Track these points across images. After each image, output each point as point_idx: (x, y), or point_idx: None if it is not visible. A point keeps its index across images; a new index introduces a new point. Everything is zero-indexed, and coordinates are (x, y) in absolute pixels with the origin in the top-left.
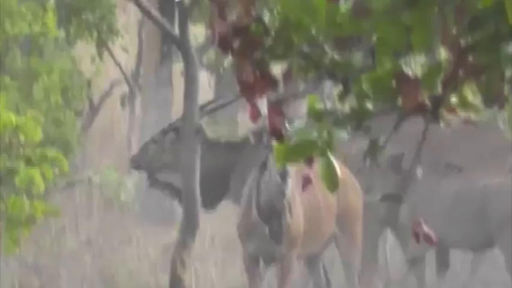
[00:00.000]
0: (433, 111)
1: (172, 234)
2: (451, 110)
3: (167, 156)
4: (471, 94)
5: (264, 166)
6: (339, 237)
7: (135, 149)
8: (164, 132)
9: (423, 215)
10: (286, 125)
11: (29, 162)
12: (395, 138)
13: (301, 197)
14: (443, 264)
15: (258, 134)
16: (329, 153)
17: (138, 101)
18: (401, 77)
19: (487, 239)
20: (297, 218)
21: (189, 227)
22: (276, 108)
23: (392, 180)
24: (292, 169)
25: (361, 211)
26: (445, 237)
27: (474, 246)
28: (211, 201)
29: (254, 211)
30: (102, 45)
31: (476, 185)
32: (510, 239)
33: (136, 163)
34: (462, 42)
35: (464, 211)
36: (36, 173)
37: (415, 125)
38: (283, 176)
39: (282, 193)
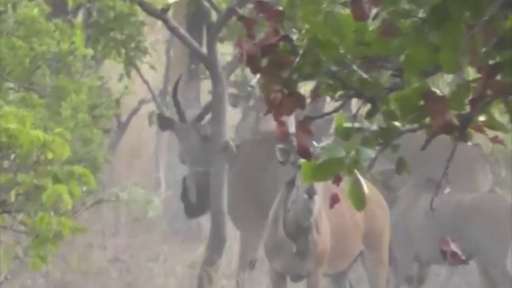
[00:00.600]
0: (461, 130)
1: (199, 251)
2: (479, 129)
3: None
4: (499, 113)
5: (291, 184)
6: (365, 255)
7: (162, 167)
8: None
9: (402, 229)
10: (314, 143)
11: (56, 179)
12: (386, 153)
13: (328, 215)
14: (419, 279)
15: (286, 152)
16: (356, 171)
17: None
18: (429, 96)
19: (463, 254)
20: (323, 235)
21: (216, 243)
22: (304, 126)
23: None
24: (319, 186)
25: (388, 228)
26: (423, 252)
27: (450, 261)
28: (200, 209)
29: (281, 229)
30: (130, 63)
31: (450, 200)
32: (487, 255)
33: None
34: (490, 61)
35: (439, 227)
36: (63, 190)
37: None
38: (310, 193)
39: (309, 211)
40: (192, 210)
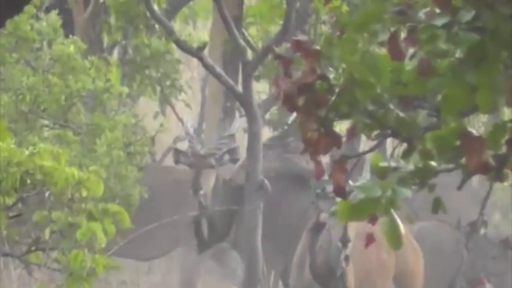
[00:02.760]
0: (497, 170)
1: None
2: None
3: None
4: None
5: (317, 227)
6: None
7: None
8: None
9: None
10: (350, 182)
11: (90, 216)
12: None
13: (352, 254)
14: None
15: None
16: (393, 211)
17: None
18: (465, 136)
19: None
20: (349, 278)
21: (251, 282)
22: (340, 165)
23: None
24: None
25: (421, 271)
26: None
27: None
28: (210, 243)
29: (307, 273)
30: (165, 101)
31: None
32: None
33: None
34: None
35: None
36: (97, 228)
37: None
38: (345, 242)
39: (342, 258)
40: (204, 245)
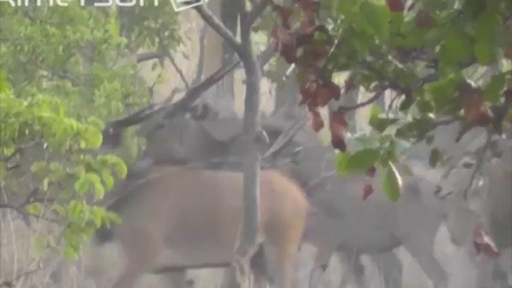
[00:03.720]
0: (496, 122)
1: None
2: None
3: None
4: None
5: None
6: (266, 248)
7: None
8: None
9: (333, 219)
10: (348, 134)
11: (89, 167)
12: None
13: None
14: (357, 269)
15: None
16: (391, 163)
17: None
18: (464, 87)
19: (393, 241)
20: None
21: (249, 232)
22: (339, 117)
23: None
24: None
25: (299, 224)
26: (354, 241)
27: (380, 249)
28: None
29: None
30: (163, 52)
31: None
32: (416, 239)
33: None
34: None
35: (366, 214)
36: (95, 179)
37: None
38: None
39: None
40: None
